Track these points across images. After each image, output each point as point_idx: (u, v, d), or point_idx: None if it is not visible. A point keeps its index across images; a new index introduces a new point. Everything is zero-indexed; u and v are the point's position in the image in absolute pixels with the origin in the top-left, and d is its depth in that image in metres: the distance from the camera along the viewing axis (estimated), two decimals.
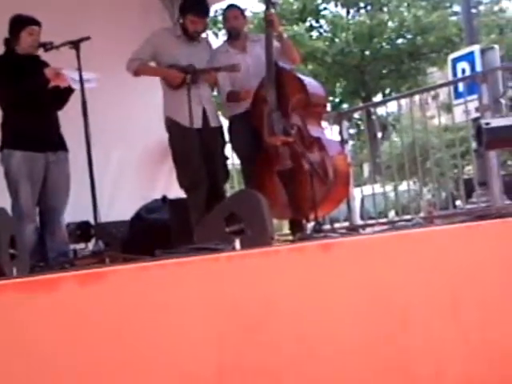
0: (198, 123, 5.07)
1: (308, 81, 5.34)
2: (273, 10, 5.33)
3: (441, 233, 3.36)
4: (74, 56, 4.32)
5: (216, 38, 17.46)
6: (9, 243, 3.24)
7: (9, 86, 4.58)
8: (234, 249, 3.53)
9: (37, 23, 4.71)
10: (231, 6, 5.60)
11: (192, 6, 5.26)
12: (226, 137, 5.47)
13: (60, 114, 4.87)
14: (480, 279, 3.23)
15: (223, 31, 16.33)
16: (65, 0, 6.17)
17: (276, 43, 5.31)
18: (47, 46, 4.60)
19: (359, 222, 7.44)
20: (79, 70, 4.27)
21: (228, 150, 5.63)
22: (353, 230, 6.36)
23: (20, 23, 4.70)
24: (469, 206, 6.72)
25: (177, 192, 5.46)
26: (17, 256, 3.29)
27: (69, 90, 4.65)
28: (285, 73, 5.22)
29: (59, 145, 4.79)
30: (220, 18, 15.21)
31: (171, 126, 5.21)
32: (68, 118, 4.82)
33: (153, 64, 5.38)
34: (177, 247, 4.21)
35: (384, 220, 7.23)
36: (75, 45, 4.30)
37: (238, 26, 5.50)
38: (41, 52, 4.76)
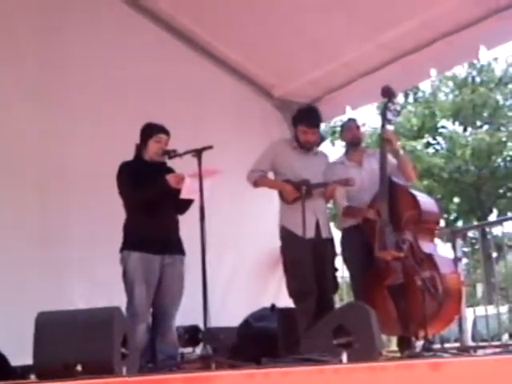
0: (310, 233, 5.14)
1: (421, 197, 5.30)
2: (390, 127, 5.42)
3: None
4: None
5: (332, 146, 17.89)
6: (121, 342, 3.31)
7: (134, 190, 4.76)
8: (340, 361, 3.51)
9: (165, 132, 4.94)
10: (350, 120, 5.81)
11: (303, 117, 5.47)
12: (337, 248, 5.50)
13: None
14: None
15: (340, 142, 16.65)
16: (195, 110, 6.52)
17: (393, 159, 5.37)
18: (171, 154, 4.79)
19: (471, 343, 7.18)
20: (200, 178, 4.39)
21: (338, 261, 5.63)
22: (464, 351, 6.14)
23: (149, 131, 4.95)
24: None
25: (286, 301, 5.47)
26: (128, 355, 3.35)
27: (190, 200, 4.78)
28: (398, 188, 5.23)
29: (176, 248, 4.89)
30: (338, 128, 15.52)
31: (284, 234, 5.30)
32: (185, 221, 4.97)
33: (271, 174, 5.53)
34: (283, 356, 4.22)
35: (497, 343, 6.95)
36: (198, 153, 4.42)
37: (356, 137, 5.64)
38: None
